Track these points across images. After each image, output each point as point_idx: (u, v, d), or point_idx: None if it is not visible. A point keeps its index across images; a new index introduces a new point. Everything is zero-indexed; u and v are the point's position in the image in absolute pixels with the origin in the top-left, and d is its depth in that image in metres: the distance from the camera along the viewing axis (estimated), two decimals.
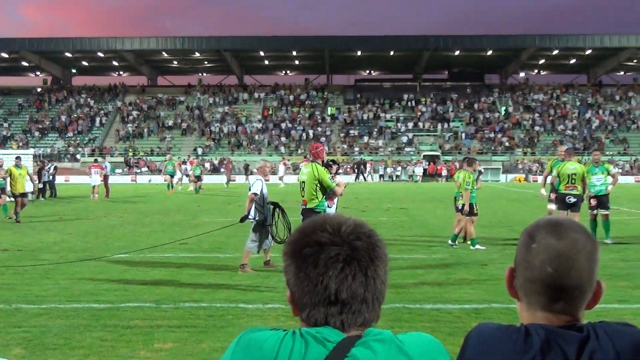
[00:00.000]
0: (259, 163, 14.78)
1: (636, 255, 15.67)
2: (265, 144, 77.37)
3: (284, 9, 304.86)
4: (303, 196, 12.17)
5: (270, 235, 13.71)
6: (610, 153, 72.94)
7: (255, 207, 13.68)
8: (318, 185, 11.92)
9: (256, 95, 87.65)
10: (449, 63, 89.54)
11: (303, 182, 12.45)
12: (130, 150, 75.78)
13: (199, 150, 74.69)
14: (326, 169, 12.13)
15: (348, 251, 1.73)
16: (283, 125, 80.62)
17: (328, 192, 12.14)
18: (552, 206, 18.34)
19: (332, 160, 14.65)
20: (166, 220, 24.33)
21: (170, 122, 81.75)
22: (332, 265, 1.71)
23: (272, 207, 13.89)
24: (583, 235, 1.86)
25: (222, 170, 65.40)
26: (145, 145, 77.52)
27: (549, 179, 18.62)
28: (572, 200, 17.24)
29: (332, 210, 13.48)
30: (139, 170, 70.91)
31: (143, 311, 9.69)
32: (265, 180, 14.05)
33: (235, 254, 15.87)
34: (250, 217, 13.71)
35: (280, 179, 57.96)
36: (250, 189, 13.84)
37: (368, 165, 71.15)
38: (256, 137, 78.47)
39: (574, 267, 1.82)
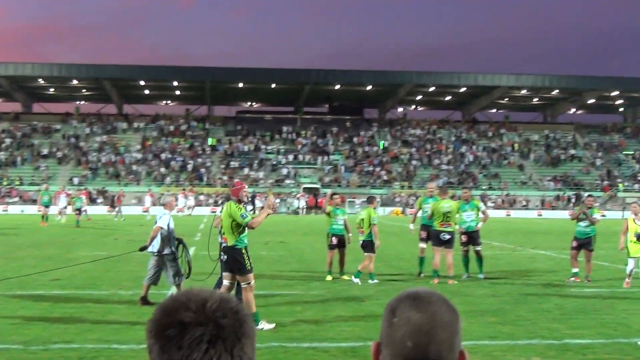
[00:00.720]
0: (165, 198, 14.77)
1: (506, 290, 16.19)
2: (144, 175, 76.09)
3: (165, 39, 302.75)
4: (223, 233, 12.07)
5: (178, 271, 13.84)
6: (484, 187, 75.43)
7: (161, 241, 13.72)
8: (234, 222, 11.80)
9: (135, 124, 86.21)
10: (330, 97, 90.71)
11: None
12: (5, 179, 72.94)
13: (75, 180, 72.74)
14: (242, 205, 12.00)
15: (213, 330, 1.65)
16: (163, 156, 79.57)
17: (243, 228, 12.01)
18: (423, 244, 18.74)
19: (254, 194, 14.99)
20: (39, 254, 23.50)
21: (46, 151, 79.36)
22: (197, 347, 1.63)
23: (177, 242, 14.03)
24: (443, 307, 1.86)
25: (101, 201, 63.80)
26: (19, 173, 74.86)
27: (420, 212, 19.15)
28: (447, 237, 17.69)
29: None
30: (10, 200, 68.41)
31: (10, 354, 9.29)
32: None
33: (110, 290, 15.49)
34: (152, 249, 13.75)
35: (189, 208, 57.81)
36: (156, 222, 13.99)
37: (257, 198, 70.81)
38: (134, 167, 77.09)
39: (433, 340, 1.82)
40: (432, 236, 18.00)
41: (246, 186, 12.53)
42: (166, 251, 13.81)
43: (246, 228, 11.83)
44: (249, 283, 11.71)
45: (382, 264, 21.07)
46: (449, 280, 17.23)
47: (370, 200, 18.22)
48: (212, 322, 1.65)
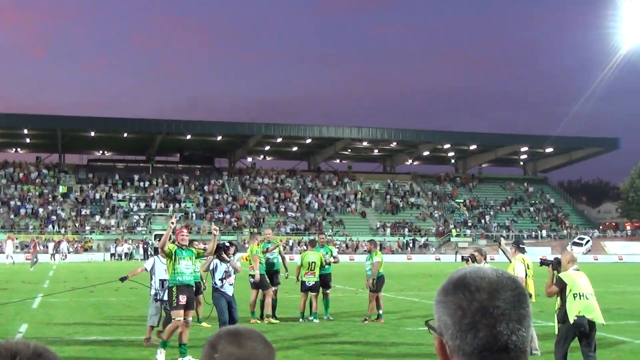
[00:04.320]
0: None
1: (347, 328, 16.40)
2: None
3: (16, 87, 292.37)
4: None
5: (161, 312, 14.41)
6: (329, 234, 76.47)
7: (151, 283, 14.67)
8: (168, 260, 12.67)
9: None
10: (181, 146, 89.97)
11: None
12: None
13: None
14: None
15: None
16: (12, 203, 76.16)
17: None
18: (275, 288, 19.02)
19: (230, 242, 15.39)
20: None
21: None
22: None
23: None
24: (261, 343, 1.90)
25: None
26: None
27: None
28: (312, 284, 18.30)
29: (231, 288, 14.66)
30: None
31: None
32: None
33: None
34: (153, 293, 14.51)
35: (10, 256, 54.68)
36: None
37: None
38: None
39: None
40: (302, 284, 18.57)
41: (184, 231, 13.03)
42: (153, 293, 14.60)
43: (177, 266, 12.44)
44: (174, 318, 12.44)
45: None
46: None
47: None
48: None
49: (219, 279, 14.51)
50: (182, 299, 12.37)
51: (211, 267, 14.67)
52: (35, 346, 1.55)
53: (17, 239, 67.99)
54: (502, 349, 1.61)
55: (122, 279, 15.26)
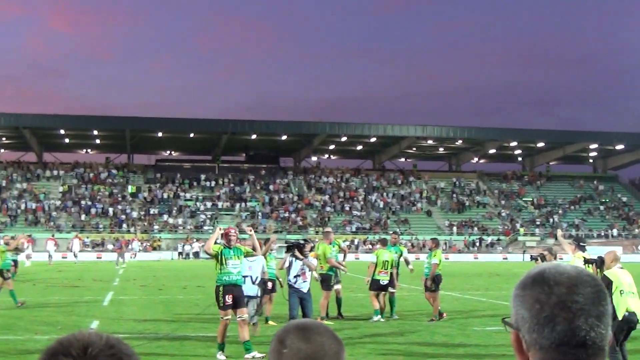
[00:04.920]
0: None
1: (413, 328, 16.30)
2: (64, 221, 74.34)
3: (86, 89, 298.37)
4: None
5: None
6: (392, 232, 76.00)
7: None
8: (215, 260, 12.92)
9: (55, 172, 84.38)
10: (246, 146, 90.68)
11: None
12: None
13: None
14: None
15: None
16: (83, 203, 77.97)
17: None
18: (338, 286, 18.86)
19: (305, 240, 15.39)
20: None
21: None
22: None
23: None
24: (329, 338, 1.87)
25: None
26: None
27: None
28: (385, 282, 18.17)
29: (306, 285, 14.60)
30: None
31: None
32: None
33: (25, 334, 14.96)
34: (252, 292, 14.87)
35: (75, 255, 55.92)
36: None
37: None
38: (54, 214, 75.27)
39: None
40: (372, 282, 18.37)
41: (231, 231, 13.21)
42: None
43: (224, 266, 12.62)
44: (221, 318, 12.55)
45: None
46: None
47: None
48: None
49: (294, 276, 14.59)
50: (228, 299, 12.53)
51: (286, 265, 14.75)
52: (108, 337, 1.55)
53: (87, 237, 69.70)
54: (580, 345, 1.59)
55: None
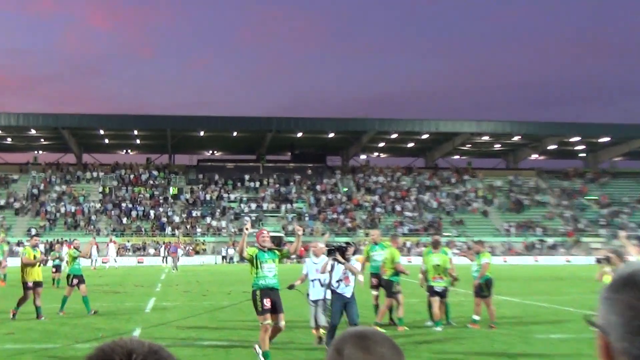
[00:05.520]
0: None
1: (470, 334, 16.11)
2: (104, 225, 75.31)
3: (125, 88, 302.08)
4: None
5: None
6: (449, 235, 75.58)
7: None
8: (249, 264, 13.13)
9: (95, 174, 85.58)
10: (292, 144, 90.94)
11: None
12: None
13: (33, 231, 71.75)
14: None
15: None
16: (123, 205, 78.95)
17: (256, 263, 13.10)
18: (376, 292, 18.79)
19: (347, 243, 15.18)
20: None
21: (3, 202, 78.36)
22: None
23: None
24: (390, 349, 1.83)
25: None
26: None
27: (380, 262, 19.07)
28: (441, 289, 17.94)
29: (349, 289, 14.48)
30: None
31: None
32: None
33: (65, 342, 15.12)
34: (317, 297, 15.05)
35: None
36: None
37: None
38: (94, 217, 76.31)
39: None
40: (429, 289, 18.10)
41: (264, 231, 13.61)
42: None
43: (259, 270, 12.80)
44: (261, 323, 12.67)
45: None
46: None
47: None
48: None
49: (336, 281, 14.54)
50: (267, 303, 12.62)
51: (328, 269, 14.71)
52: (151, 344, 1.57)
53: (128, 242, 70.55)
54: None
55: (290, 287, 15.35)
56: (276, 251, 13.16)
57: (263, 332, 12.56)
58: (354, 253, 15.42)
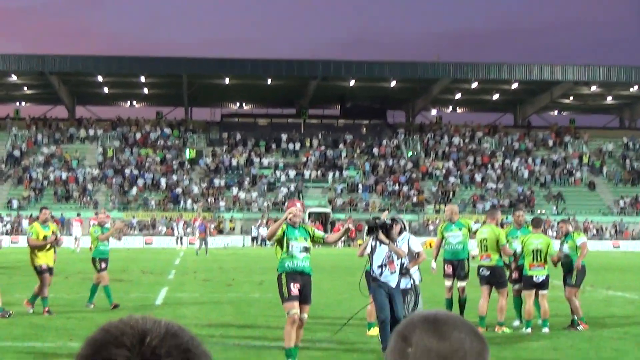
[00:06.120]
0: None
1: (569, 343, 16.09)
2: (103, 195, 75.92)
3: (129, 25, 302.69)
4: None
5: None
6: (541, 211, 75.06)
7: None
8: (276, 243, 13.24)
9: (92, 132, 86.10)
10: (342, 96, 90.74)
11: None
12: None
13: (14, 203, 72.87)
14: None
15: None
16: (127, 172, 79.40)
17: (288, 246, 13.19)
18: (449, 282, 18.77)
19: (392, 219, 15.18)
20: None
21: None
22: None
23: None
24: (469, 334, 1.83)
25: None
26: None
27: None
28: (542, 279, 17.75)
29: (394, 277, 14.47)
30: None
31: None
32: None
33: (57, 341, 15.41)
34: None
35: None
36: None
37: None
38: (90, 186, 76.92)
39: None
40: (524, 279, 18.09)
41: (297, 204, 13.90)
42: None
43: (287, 249, 12.97)
44: (287, 313, 12.77)
45: None
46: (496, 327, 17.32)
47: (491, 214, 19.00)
48: None
49: (378, 266, 14.44)
50: (294, 288, 12.75)
51: (367, 251, 14.56)
52: (168, 324, 1.60)
53: (134, 217, 71.21)
54: None
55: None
56: (307, 229, 13.25)
57: (289, 324, 12.68)
58: (401, 232, 15.32)
